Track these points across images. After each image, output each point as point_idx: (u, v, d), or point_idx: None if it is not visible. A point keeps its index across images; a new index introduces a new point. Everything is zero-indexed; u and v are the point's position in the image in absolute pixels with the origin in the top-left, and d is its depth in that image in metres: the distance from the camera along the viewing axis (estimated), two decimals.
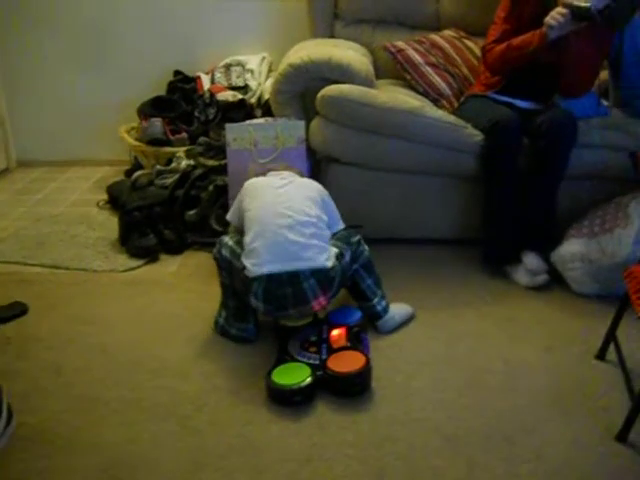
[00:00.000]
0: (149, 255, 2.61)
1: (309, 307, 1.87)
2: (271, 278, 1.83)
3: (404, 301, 2.18)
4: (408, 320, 2.12)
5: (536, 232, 2.41)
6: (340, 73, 2.50)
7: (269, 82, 3.37)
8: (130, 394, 1.80)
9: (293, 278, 1.82)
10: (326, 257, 1.87)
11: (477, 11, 3.01)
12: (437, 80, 2.77)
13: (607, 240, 2.21)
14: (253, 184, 2.07)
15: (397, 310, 2.10)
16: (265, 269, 1.83)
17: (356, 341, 1.89)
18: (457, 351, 1.98)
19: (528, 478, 1.52)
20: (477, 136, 2.41)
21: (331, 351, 1.85)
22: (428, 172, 2.50)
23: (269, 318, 2.01)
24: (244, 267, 1.87)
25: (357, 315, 2.03)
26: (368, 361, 1.79)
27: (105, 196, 3.18)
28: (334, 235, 2.01)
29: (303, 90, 2.58)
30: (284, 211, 1.90)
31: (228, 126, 2.54)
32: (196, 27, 3.53)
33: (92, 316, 2.18)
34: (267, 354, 1.94)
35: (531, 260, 2.35)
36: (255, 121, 2.66)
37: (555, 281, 2.34)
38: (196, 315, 2.17)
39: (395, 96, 2.48)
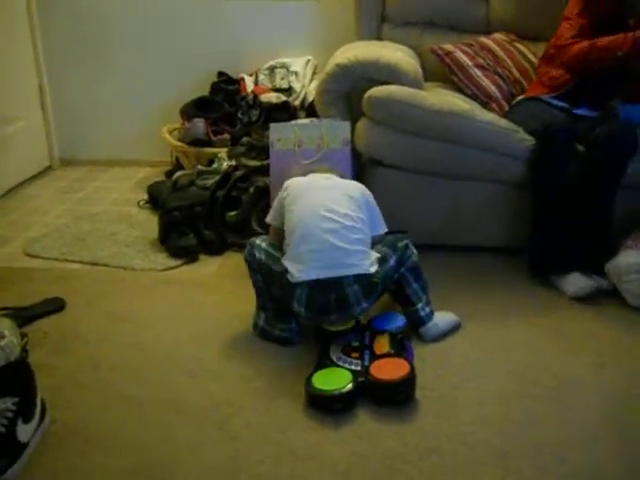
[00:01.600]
0: (188, 255, 2.57)
1: (351, 313, 1.82)
2: (315, 284, 1.79)
3: (449, 310, 2.09)
4: (453, 329, 2.04)
5: (588, 243, 2.30)
6: (388, 74, 2.44)
7: (313, 85, 3.33)
8: (166, 394, 1.75)
9: (337, 284, 1.78)
10: (370, 262, 1.82)
11: (528, 14, 2.94)
12: (486, 83, 2.69)
13: None
14: (295, 184, 2.02)
15: (441, 318, 2.02)
16: (310, 275, 1.78)
17: (400, 348, 1.82)
18: (505, 363, 1.90)
19: None
20: (528, 141, 2.32)
21: (374, 357, 1.78)
22: (476, 177, 2.42)
23: (310, 323, 1.95)
24: (286, 271, 1.81)
25: (401, 321, 1.96)
26: (413, 369, 1.72)
27: (146, 196, 3.16)
28: (379, 239, 1.94)
29: (349, 91, 2.53)
30: (329, 215, 1.85)
31: (273, 126, 2.49)
32: (241, 28, 3.51)
33: (130, 314, 2.14)
34: (307, 358, 1.88)
35: (577, 279, 2.24)
36: (300, 121, 2.61)
37: (608, 293, 2.23)
38: (235, 316, 2.12)
39: (444, 98, 2.42)
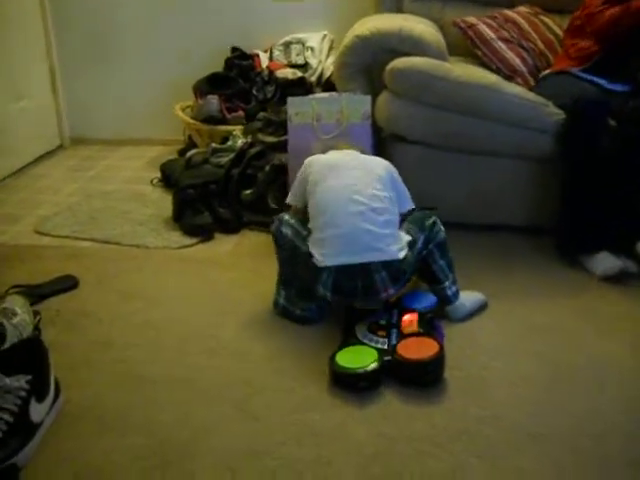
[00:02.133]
0: (203, 233, 2.50)
1: (378, 298, 1.77)
2: (341, 269, 1.72)
3: (475, 289, 2.01)
4: (480, 309, 1.96)
5: (618, 221, 2.22)
6: (411, 45, 2.35)
7: (330, 60, 3.24)
8: (182, 373, 1.69)
9: (364, 270, 1.72)
10: (399, 247, 1.75)
11: None
12: (510, 56, 2.59)
13: None
14: (317, 163, 1.93)
15: (468, 297, 1.94)
16: (336, 260, 1.72)
17: (429, 328, 1.74)
18: (535, 343, 1.82)
19: None
20: (558, 115, 2.23)
21: (402, 336, 1.70)
22: (502, 154, 2.33)
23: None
24: (311, 255, 1.74)
25: (431, 300, 1.89)
26: (442, 349, 1.64)
27: (158, 174, 3.08)
28: (406, 216, 1.86)
29: (370, 63, 2.44)
30: (355, 197, 1.77)
31: (290, 99, 2.41)
32: (255, 3, 3.41)
33: (144, 292, 2.07)
34: (331, 337, 1.80)
35: (606, 258, 2.15)
36: (318, 95, 2.53)
37: (636, 275, 2.15)
38: (254, 295, 2.05)
39: (469, 70, 2.33)
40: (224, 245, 2.44)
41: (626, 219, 2.20)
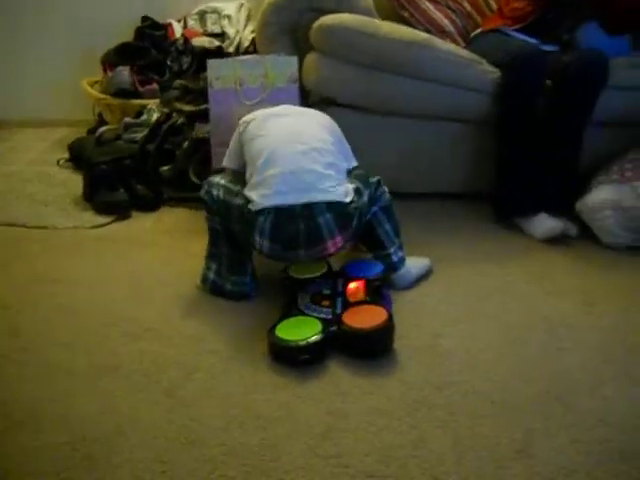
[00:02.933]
0: (119, 211, 2.28)
1: (323, 248, 1.57)
2: (281, 211, 1.53)
3: (419, 256, 1.89)
4: (426, 274, 1.84)
5: (554, 186, 2.15)
6: (337, 2, 2.21)
7: (249, 30, 3.07)
8: (103, 360, 1.48)
9: (307, 211, 1.53)
10: (344, 191, 1.58)
11: None
12: (439, 16, 2.49)
13: None
14: (253, 116, 1.76)
15: (414, 263, 1.82)
16: (276, 200, 1.53)
17: (377, 296, 1.61)
18: (488, 308, 1.71)
19: (597, 446, 1.25)
20: (493, 73, 2.14)
21: (348, 305, 1.56)
22: (436, 116, 2.22)
23: (273, 262, 1.68)
24: (247, 202, 1.56)
25: (378, 268, 1.74)
26: (391, 317, 1.51)
27: (66, 155, 2.82)
28: (350, 173, 1.71)
29: (294, 23, 2.28)
30: (297, 137, 1.61)
31: (210, 62, 2.21)
32: None
33: (55, 275, 1.84)
34: (268, 313, 1.64)
35: (545, 220, 2.09)
36: (241, 58, 2.34)
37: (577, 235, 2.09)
38: (178, 273, 1.86)
39: (400, 28, 2.19)
40: (142, 223, 2.23)
41: (563, 180, 2.14)
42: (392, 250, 1.75)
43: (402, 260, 1.77)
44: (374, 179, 1.71)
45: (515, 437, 1.27)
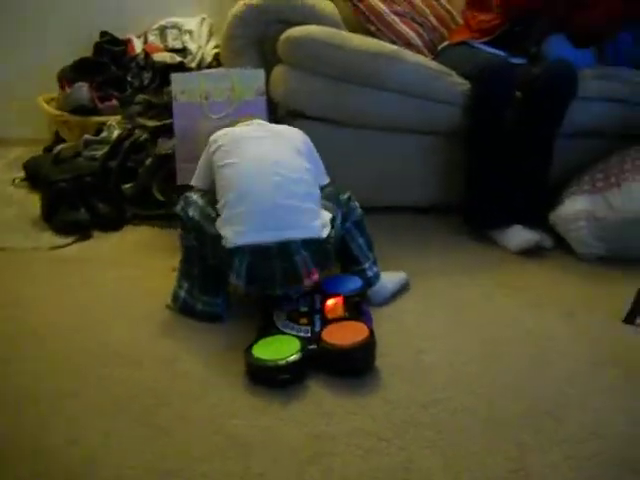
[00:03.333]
0: (80, 231, 2.18)
1: (300, 284, 1.53)
2: (257, 250, 1.48)
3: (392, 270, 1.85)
4: (402, 289, 1.80)
5: (527, 198, 2.14)
6: (305, 14, 2.17)
7: (211, 45, 3.01)
8: (71, 387, 1.39)
9: (283, 250, 1.48)
10: (320, 224, 1.53)
11: None
12: (405, 29, 2.47)
13: (615, 195, 1.97)
14: (224, 137, 1.68)
15: (390, 278, 1.78)
16: (250, 238, 1.47)
17: (356, 312, 1.55)
18: (468, 321, 1.68)
19: (590, 461, 1.21)
20: (463, 85, 2.12)
21: (326, 322, 1.50)
22: (406, 128, 2.19)
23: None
24: (220, 236, 1.50)
25: (356, 283, 1.68)
26: (372, 333, 1.45)
27: (21, 174, 2.71)
28: (321, 190, 1.66)
29: (261, 35, 2.23)
30: (270, 167, 1.55)
31: (174, 75, 2.15)
32: None
33: (16, 298, 1.75)
34: (243, 332, 1.57)
35: (519, 232, 2.07)
36: (206, 71, 2.29)
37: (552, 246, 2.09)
38: (145, 293, 1.77)
39: (368, 40, 2.16)
40: (105, 242, 2.13)
41: (534, 192, 2.13)
42: (367, 265, 1.70)
43: (377, 275, 1.73)
44: (345, 195, 1.68)
45: (508, 455, 1.23)
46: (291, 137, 1.69)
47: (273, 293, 1.55)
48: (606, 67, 2.28)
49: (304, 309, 1.56)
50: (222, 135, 1.68)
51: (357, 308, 1.57)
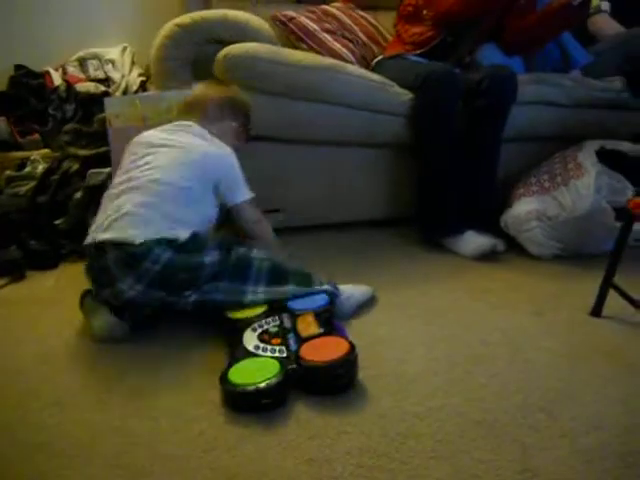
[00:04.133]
0: (12, 271, 2.01)
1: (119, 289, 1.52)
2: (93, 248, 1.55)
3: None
4: (368, 300, 1.74)
5: (476, 203, 2.15)
6: (238, 32, 2.13)
7: (135, 74, 2.91)
8: (30, 437, 1.24)
9: (99, 251, 1.53)
10: (143, 231, 1.50)
11: None
12: (337, 46, 2.47)
13: (563, 194, 2.00)
14: (135, 141, 1.74)
15: (353, 289, 1.71)
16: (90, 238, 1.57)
17: (330, 327, 1.47)
18: (442, 328, 1.63)
19: (600, 452, 1.17)
20: (405, 95, 2.12)
21: (302, 340, 1.42)
22: (352, 141, 2.18)
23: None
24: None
25: (322, 300, 1.59)
26: (353, 346, 1.38)
27: None
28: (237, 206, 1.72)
29: (193, 56, 2.16)
30: (134, 174, 1.60)
31: (107, 100, 2.06)
32: (39, 17, 2.97)
33: None
34: (208, 360, 1.46)
35: (472, 238, 2.07)
36: (140, 94, 2.18)
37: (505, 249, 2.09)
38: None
39: (309, 54, 2.14)
40: (42, 281, 1.97)
41: (484, 196, 2.14)
42: (318, 286, 1.62)
43: (335, 288, 1.65)
44: (241, 251, 1.61)
45: (513, 456, 1.17)
46: (190, 151, 1.67)
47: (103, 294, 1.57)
48: (538, 73, 2.33)
49: (274, 329, 1.47)
50: (137, 137, 1.74)
51: (330, 323, 1.50)
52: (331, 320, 1.52)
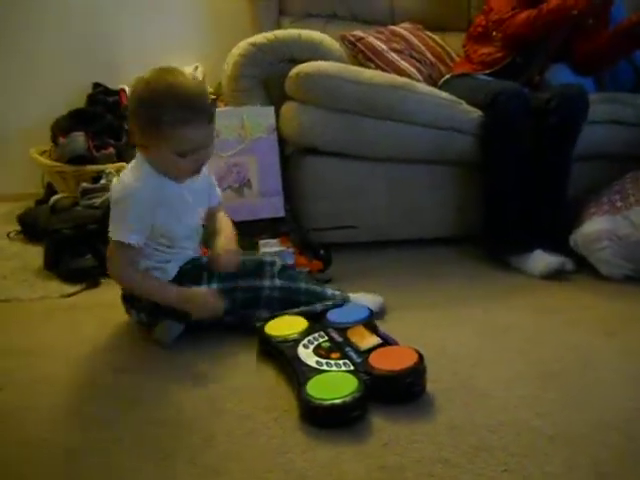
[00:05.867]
0: (86, 278, 2.09)
1: None
2: None
3: (417, 303, 1.84)
4: (379, 309, 1.76)
5: (545, 222, 2.13)
6: (312, 51, 2.19)
7: None
8: (101, 435, 1.28)
9: None
10: None
11: (434, 4, 2.81)
12: (405, 65, 2.50)
13: (637, 213, 1.97)
14: None
15: (363, 297, 1.75)
16: None
17: (385, 337, 1.49)
18: (509, 344, 1.62)
19: None
20: (474, 112, 2.13)
21: (363, 352, 1.43)
22: (420, 159, 2.19)
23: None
24: None
25: (364, 313, 1.61)
26: (422, 356, 1.39)
27: (15, 228, 2.62)
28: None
29: (266, 76, 2.22)
30: None
31: None
32: (116, 37, 3.11)
33: (32, 346, 1.64)
34: (264, 375, 1.50)
35: (541, 257, 2.05)
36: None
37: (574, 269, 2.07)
38: None
39: (379, 73, 2.17)
40: (116, 288, 2.03)
41: (555, 214, 2.12)
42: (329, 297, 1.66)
43: (345, 297, 1.70)
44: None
45: (586, 472, 1.15)
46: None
47: None
48: (609, 92, 2.31)
49: (326, 344, 1.48)
50: None
51: (378, 333, 1.51)
52: (377, 330, 1.54)
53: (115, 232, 1.52)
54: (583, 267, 2.05)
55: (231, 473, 1.17)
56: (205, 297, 1.56)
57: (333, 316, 1.62)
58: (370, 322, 1.60)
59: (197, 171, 1.54)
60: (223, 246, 1.61)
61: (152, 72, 1.49)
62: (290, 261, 1.94)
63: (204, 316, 1.55)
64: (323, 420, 1.29)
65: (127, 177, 1.53)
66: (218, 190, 1.75)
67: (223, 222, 1.69)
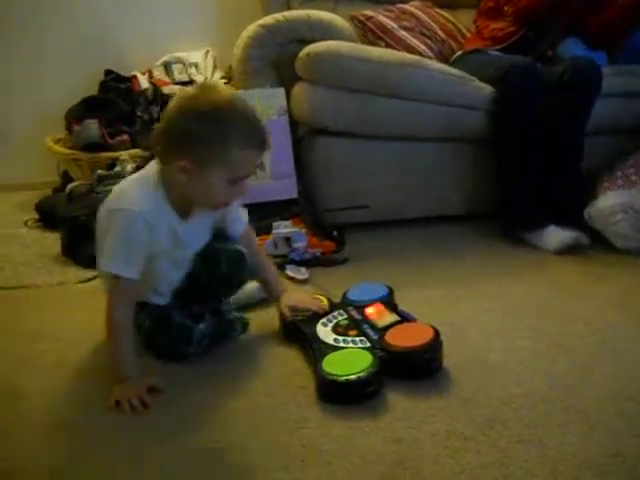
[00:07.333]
0: None
1: None
2: None
3: (431, 280, 1.86)
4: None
5: (559, 196, 2.12)
6: (322, 31, 2.18)
7: (217, 76, 3.01)
8: (124, 419, 1.31)
9: None
10: None
11: None
12: (415, 43, 2.48)
13: None
14: None
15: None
16: None
17: (403, 315, 1.51)
18: (523, 318, 1.63)
19: None
20: (486, 89, 2.12)
21: (381, 329, 1.44)
22: (431, 136, 2.19)
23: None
24: None
25: (384, 291, 1.63)
26: (438, 332, 1.40)
27: (32, 216, 2.66)
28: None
29: (276, 55, 2.22)
30: None
31: None
32: (126, 23, 3.12)
33: (50, 331, 1.67)
34: (284, 356, 1.52)
35: (555, 232, 2.04)
36: None
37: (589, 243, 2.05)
38: None
39: (389, 51, 2.16)
40: None
41: (569, 189, 2.11)
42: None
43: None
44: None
45: (602, 441, 1.17)
46: None
47: None
48: (622, 65, 2.29)
49: (344, 322, 1.50)
50: None
51: (397, 311, 1.53)
52: (397, 308, 1.55)
53: (106, 262, 1.41)
54: (597, 241, 2.04)
55: (251, 446, 1.20)
56: (131, 393, 1.33)
57: (353, 295, 1.64)
58: (389, 300, 1.61)
59: (231, 203, 1.43)
60: (286, 303, 1.57)
61: (203, 89, 1.35)
62: (303, 242, 1.95)
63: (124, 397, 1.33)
64: (338, 395, 1.31)
65: (121, 193, 1.42)
66: (242, 212, 1.58)
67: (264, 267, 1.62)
